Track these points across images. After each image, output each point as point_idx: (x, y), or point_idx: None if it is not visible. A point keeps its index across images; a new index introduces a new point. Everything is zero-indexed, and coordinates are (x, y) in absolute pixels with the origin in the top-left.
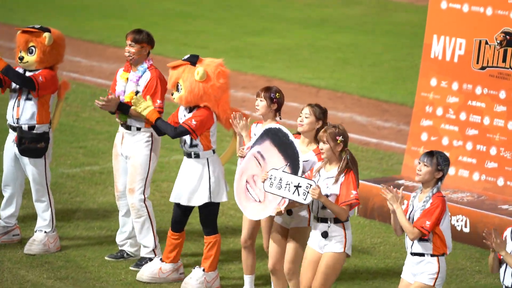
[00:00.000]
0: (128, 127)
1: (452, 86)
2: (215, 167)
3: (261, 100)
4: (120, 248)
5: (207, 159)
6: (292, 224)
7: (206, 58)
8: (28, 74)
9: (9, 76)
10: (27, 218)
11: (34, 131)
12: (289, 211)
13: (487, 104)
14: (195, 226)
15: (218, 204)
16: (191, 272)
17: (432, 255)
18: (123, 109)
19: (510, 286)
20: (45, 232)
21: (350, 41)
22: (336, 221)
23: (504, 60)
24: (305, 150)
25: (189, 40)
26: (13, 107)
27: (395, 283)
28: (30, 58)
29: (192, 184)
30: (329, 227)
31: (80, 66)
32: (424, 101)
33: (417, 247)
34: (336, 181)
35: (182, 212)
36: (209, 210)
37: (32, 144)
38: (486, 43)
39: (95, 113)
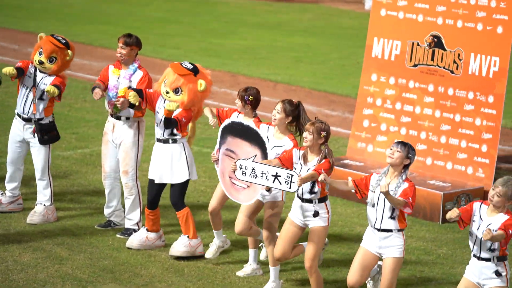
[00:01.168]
0: (119, 118)
1: (390, 81)
2: (189, 150)
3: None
4: (107, 219)
5: (183, 143)
6: (267, 198)
7: (199, 66)
8: (47, 78)
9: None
10: (29, 193)
11: (48, 122)
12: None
13: (418, 96)
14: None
15: (188, 182)
16: (178, 239)
17: (398, 230)
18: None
19: (477, 255)
20: (44, 205)
21: (302, 42)
22: (320, 201)
23: (432, 59)
24: (280, 136)
25: (165, 42)
26: (29, 103)
27: (340, 247)
28: (49, 66)
29: (172, 165)
30: (313, 206)
31: (73, 64)
32: (366, 93)
33: (387, 224)
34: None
35: (157, 190)
36: (183, 187)
37: (50, 133)
38: (418, 44)
39: (86, 104)
